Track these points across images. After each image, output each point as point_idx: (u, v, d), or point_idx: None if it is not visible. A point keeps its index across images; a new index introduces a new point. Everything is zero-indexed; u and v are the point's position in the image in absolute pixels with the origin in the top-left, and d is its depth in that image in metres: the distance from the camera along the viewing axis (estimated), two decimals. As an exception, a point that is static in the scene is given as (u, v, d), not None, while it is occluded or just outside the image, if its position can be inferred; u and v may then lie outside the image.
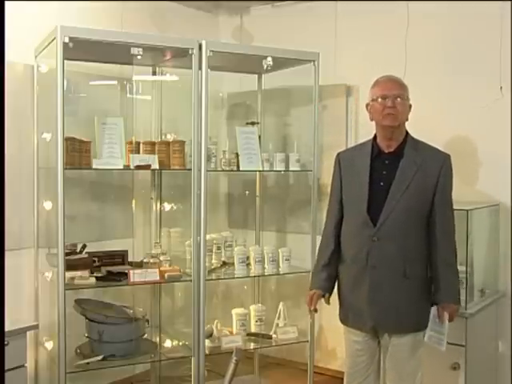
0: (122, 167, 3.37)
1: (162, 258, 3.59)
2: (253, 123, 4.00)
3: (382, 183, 2.75)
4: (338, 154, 3.00)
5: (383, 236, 2.71)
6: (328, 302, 2.92)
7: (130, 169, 3.39)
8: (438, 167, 2.74)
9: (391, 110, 2.73)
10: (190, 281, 3.44)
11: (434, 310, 2.76)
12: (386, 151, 2.80)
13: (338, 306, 2.95)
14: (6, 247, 3.18)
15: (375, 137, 2.86)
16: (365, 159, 2.82)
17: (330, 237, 2.93)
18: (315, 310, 2.93)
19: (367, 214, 2.74)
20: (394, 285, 2.72)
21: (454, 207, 2.83)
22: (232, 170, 3.71)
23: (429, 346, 2.76)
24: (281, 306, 3.88)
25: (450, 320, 2.75)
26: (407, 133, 2.82)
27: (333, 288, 2.94)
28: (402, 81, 2.82)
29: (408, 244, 2.72)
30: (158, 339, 3.73)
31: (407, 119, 2.80)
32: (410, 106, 2.81)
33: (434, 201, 2.74)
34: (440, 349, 2.75)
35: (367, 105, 2.86)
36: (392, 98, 2.73)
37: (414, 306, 2.74)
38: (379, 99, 2.75)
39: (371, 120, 2.84)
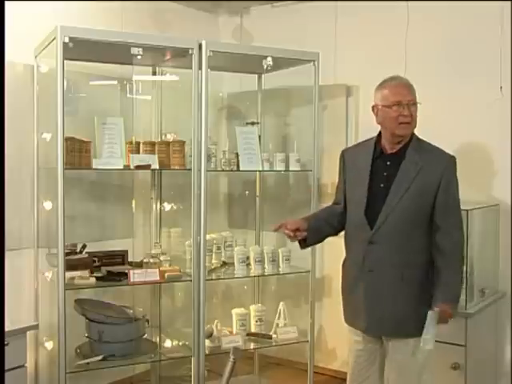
0: (122, 167, 3.37)
1: (162, 257, 3.59)
2: (253, 123, 3.99)
3: (382, 185, 2.69)
4: (343, 152, 2.94)
5: (380, 239, 2.65)
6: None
7: (129, 169, 3.39)
8: (440, 169, 2.64)
9: (407, 119, 2.64)
10: (190, 281, 3.44)
11: (430, 313, 2.62)
12: (389, 152, 2.73)
13: (337, 307, 2.95)
14: (6, 247, 3.18)
15: (379, 135, 2.77)
16: (367, 159, 2.75)
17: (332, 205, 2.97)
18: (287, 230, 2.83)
19: (364, 217, 2.69)
20: (392, 289, 2.66)
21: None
22: (232, 170, 3.71)
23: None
24: (281, 306, 3.88)
25: (444, 321, 2.63)
26: (413, 133, 2.73)
27: (312, 231, 2.85)
28: (410, 82, 2.72)
29: (407, 248, 2.64)
30: (158, 339, 3.73)
31: None
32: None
33: (436, 204, 2.63)
34: (426, 347, 2.62)
35: (374, 107, 2.73)
36: (407, 105, 2.64)
37: (413, 310, 2.64)
38: (394, 106, 2.64)
39: (378, 123, 2.75)
